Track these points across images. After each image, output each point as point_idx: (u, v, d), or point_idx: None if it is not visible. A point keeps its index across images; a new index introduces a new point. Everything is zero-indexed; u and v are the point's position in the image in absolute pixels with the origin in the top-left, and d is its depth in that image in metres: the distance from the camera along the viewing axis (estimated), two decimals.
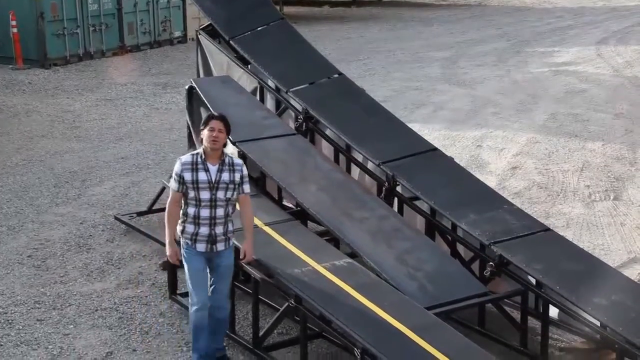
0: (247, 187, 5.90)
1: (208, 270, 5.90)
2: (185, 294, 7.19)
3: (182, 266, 6.11)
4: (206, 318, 5.84)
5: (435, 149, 7.60)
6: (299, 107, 8.00)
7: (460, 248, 6.93)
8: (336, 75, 8.46)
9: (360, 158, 7.61)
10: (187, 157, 5.82)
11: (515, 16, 26.60)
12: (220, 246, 5.83)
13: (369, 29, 24.33)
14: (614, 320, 5.64)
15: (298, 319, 6.00)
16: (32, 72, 17.03)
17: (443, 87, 15.99)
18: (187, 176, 5.72)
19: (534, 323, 6.44)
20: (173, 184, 5.80)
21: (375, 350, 5.23)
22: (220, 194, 5.73)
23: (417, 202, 7.13)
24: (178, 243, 5.93)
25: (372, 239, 6.49)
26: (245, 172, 5.89)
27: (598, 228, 8.83)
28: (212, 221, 5.75)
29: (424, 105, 14.45)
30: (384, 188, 7.17)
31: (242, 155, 7.25)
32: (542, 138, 12.09)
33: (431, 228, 6.99)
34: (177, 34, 21.04)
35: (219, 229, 5.78)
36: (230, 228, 5.87)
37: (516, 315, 6.35)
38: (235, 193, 5.81)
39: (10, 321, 6.87)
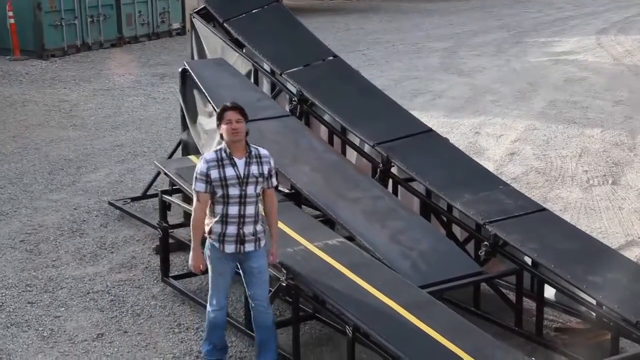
0: (275, 181, 5.56)
1: (242, 277, 5.58)
2: (178, 277, 7.18)
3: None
4: (222, 318, 5.65)
5: (431, 130, 7.52)
6: (294, 90, 7.93)
7: (456, 230, 6.85)
8: (331, 58, 8.39)
9: (355, 140, 7.54)
10: (210, 155, 5.43)
11: (516, 7, 26.48)
12: (249, 247, 5.41)
13: (368, 20, 24.24)
14: (609, 299, 5.56)
15: (290, 299, 5.93)
16: (30, 63, 16.97)
17: (442, 77, 15.90)
18: (214, 174, 5.32)
19: (530, 305, 6.37)
20: (199, 185, 5.36)
21: (366, 327, 5.17)
22: (250, 189, 5.36)
23: (412, 184, 7.06)
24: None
25: (366, 219, 6.41)
26: (273, 163, 5.52)
27: (596, 212, 8.75)
28: (241, 219, 5.36)
29: (423, 94, 14.37)
30: (378, 169, 7.09)
31: None
32: (540, 125, 12.01)
33: (426, 209, 6.92)
34: (176, 25, 20.94)
35: (248, 229, 5.39)
36: (260, 228, 5.46)
37: (512, 297, 6.28)
38: (261, 187, 5.45)
39: (0, 304, 6.81)
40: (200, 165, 5.41)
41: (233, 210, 5.35)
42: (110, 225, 8.53)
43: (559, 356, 5.89)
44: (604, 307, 5.63)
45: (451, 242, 6.44)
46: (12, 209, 8.96)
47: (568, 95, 13.76)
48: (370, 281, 5.58)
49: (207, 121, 7.87)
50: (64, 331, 6.39)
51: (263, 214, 5.58)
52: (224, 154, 5.38)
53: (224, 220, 5.37)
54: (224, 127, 5.38)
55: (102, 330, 6.40)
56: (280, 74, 8.02)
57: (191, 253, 5.54)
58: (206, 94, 7.64)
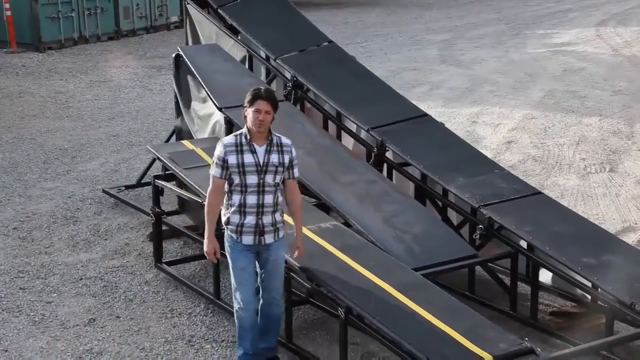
0: (297, 171, 5.31)
1: (258, 267, 5.32)
2: (171, 262, 7.13)
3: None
4: (250, 318, 5.30)
5: (426, 114, 7.45)
6: (289, 76, 7.86)
7: (451, 214, 6.80)
8: (326, 43, 8.32)
9: (350, 125, 7.48)
10: (229, 139, 5.19)
11: (515, 0, 26.37)
12: (268, 238, 5.20)
13: (367, 13, 24.14)
14: (604, 281, 5.50)
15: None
16: (26, 55, 16.92)
17: (440, 68, 15.83)
18: (232, 159, 5.09)
19: (525, 290, 6.32)
20: (215, 170, 5.15)
21: (359, 308, 5.11)
22: (269, 178, 5.13)
23: (407, 169, 7.00)
24: (219, 238, 5.34)
25: (360, 202, 6.36)
26: (295, 153, 5.27)
27: (593, 199, 8.69)
28: (260, 209, 5.14)
29: (421, 85, 14.30)
30: (373, 154, 7.03)
31: (228, 121, 7.13)
32: (538, 114, 11.95)
33: (421, 193, 6.86)
34: (174, 18, 20.82)
35: (267, 219, 5.17)
36: (279, 218, 5.25)
37: (508, 282, 6.22)
38: (282, 177, 5.23)
39: None
40: (217, 148, 5.18)
41: (251, 199, 5.13)
42: (104, 213, 8.48)
43: (554, 339, 5.83)
44: (599, 289, 5.58)
45: (445, 225, 6.39)
46: (6, 198, 8.91)
47: (566, 85, 13.68)
48: (363, 263, 5.52)
49: (200, 107, 7.82)
50: (56, 316, 6.34)
51: (286, 205, 5.38)
52: (243, 140, 5.13)
53: (242, 210, 5.14)
54: (250, 112, 5.11)
55: (94, 316, 6.35)
56: (275, 60, 7.95)
57: (205, 239, 5.29)
58: (200, 80, 7.59)
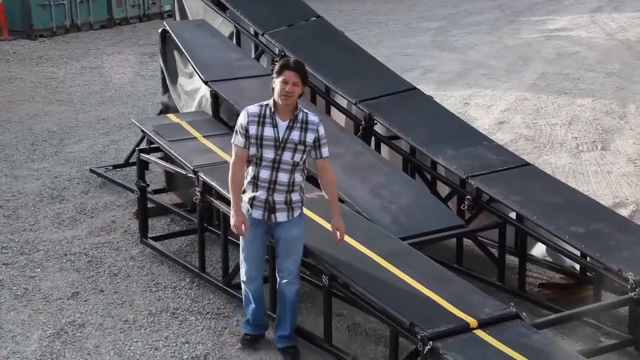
0: (325, 151, 5.02)
1: (274, 243, 5.20)
2: (157, 238, 7.06)
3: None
4: (254, 292, 5.25)
5: (414, 88, 7.38)
6: (277, 51, 7.78)
7: (440, 188, 6.72)
8: (314, 18, 8.23)
9: (339, 101, 7.40)
10: (254, 108, 4.95)
11: None
12: (280, 217, 5.01)
13: (362, 2, 24.02)
14: (592, 248, 5.43)
15: (267, 257, 5.79)
16: (17, 42, 16.80)
17: (433, 53, 15.75)
18: (252, 130, 4.88)
19: (514, 263, 6.24)
20: (238, 139, 4.94)
21: (343, 276, 5.04)
22: (287, 156, 4.91)
23: (395, 142, 6.92)
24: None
25: (346, 174, 6.27)
26: (322, 132, 4.99)
27: (584, 176, 8.63)
28: (271, 185, 4.94)
29: (414, 69, 14.20)
30: (360, 127, 6.95)
31: (214, 95, 7.05)
32: (531, 96, 11.87)
33: (410, 167, 6.79)
34: (168, 7, 20.71)
35: (279, 197, 4.96)
36: (297, 198, 5.03)
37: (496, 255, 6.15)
38: (306, 157, 4.98)
39: None
40: (241, 116, 4.98)
41: (264, 173, 4.94)
42: (91, 192, 8.39)
43: (542, 310, 5.76)
44: (588, 258, 5.51)
45: (433, 196, 6.31)
46: None
47: (560, 68, 13.60)
48: (349, 232, 5.42)
49: (187, 82, 7.74)
50: (39, 290, 6.26)
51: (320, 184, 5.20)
52: (267, 111, 4.92)
53: (255, 182, 4.98)
54: (277, 83, 4.89)
55: (78, 289, 6.27)
56: (262, 35, 7.87)
57: (232, 213, 5.02)
58: (186, 55, 7.50)
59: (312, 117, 5.01)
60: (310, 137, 4.96)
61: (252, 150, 4.94)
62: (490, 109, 11.28)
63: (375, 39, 17.67)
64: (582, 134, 9.99)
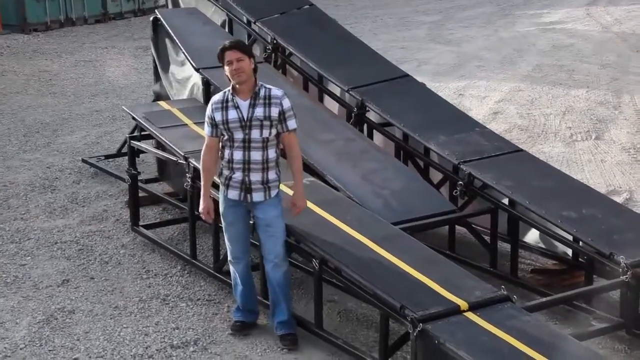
0: (292, 123, 5.05)
1: (252, 223, 5.20)
2: (149, 226, 7.03)
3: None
4: (241, 273, 5.28)
5: (407, 75, 7.34)
6: (269, 39, 7.74)
7: (433, 175, 6.69)
8: (307, 6, 8.19)
9: (332, 89, 7.36)
10: (217, 96, 5.11)
11: None
12: (257, 196, 5.05)
13: None
14: (584, 232, 5.39)
15: (257, 243, 5.75)
16: (12, 36, 16.77)
17: (429, 46, 15.73)
18: (218, 116, 5.00)
19: (507, 250, 6.21)
20: (207, 129, 5.09)
21: (334, 259, 5.01)
22: (255, 134, 4.97)
23: (388, 129, 6.88)
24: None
25: (338, 159, 6.25)
26: (287, 104, 5.03)
27: (578, 165, 8.60)
28: (246, 165, 5.00)
29: (408, 61, 14.14)
30: (352, 114, 6.92)
31: (205, 82, 7.01)
32: (525, 87, 11.84)
33: (402, 153, 6.75)
34: (162, 1, 20.67)
35: (255, 176, 5.01)
36: (273, 177, 5.07)
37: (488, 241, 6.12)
38: (275, 131, 5.03)
39: None
40: (207, 107, 5.13)
41: (237, 155, 5.01)
42: (83, 182, 8.36)
43: (534, 295, 5.73)
44: (580, 242, 5.48)
45: (425, 182, 6.28)
46: None
47: (555, 60, 13.58)
48: (339, 217, 5.41)
49: (178, 70, 7.71)
50: (29, 278, 6.23)
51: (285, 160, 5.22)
52: (229, 96, 5.03)
53: (230, 166, 5.05)
54: (226, 68, 5.00)
55: (68, 277, 6.24)
56: (255, 22, 7.83)
57: (201, 199, 5.18)
58: (178, 42, 7.47)
59: (276, 92, 5.06)
60: (274, 112, 5.01)
61: (225, 135, 5.04)
62: (485, 99, 11.25)
63: (370, 32, 17.61)
64: (576, 124, 9.96)
